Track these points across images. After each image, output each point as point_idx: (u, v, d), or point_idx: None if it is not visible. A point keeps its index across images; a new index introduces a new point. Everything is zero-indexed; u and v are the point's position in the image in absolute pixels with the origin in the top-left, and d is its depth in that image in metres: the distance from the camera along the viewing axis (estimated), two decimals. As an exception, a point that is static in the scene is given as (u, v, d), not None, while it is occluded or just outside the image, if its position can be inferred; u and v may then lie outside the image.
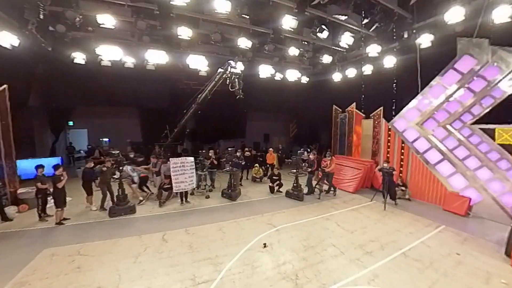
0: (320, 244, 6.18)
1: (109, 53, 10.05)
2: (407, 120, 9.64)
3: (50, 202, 7.31)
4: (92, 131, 16.40)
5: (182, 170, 8.45)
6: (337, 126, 13.72)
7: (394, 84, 11.05)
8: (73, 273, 4.90)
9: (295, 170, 9.53)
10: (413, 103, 9.43)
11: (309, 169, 9.76)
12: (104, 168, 7.95)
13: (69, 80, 12.23)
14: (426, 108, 9.11)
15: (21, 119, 11.33)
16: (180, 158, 8.54)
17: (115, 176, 7.97)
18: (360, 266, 5.25)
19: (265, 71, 12.83)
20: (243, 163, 10.77)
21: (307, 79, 14.75)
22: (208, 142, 16.56)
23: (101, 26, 7.96)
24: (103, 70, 11.77)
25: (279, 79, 14.08)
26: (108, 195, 8.07)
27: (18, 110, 10.43)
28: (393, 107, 10.90)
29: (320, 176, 10.06)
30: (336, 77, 13.68)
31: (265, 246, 5.93)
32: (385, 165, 9.11)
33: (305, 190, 9.91)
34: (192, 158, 8.69)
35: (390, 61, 10.80)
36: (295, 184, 9.59)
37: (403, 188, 9.72)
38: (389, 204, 8.90)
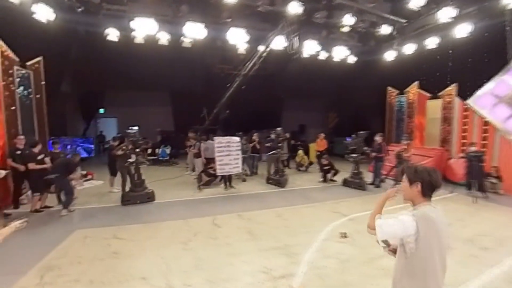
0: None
1: (144, 26, 9.21)
2: (494, 96, 7.85)
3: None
4: (121, 120, 15.88)
5: (227, 151, 7.30)
6: (392, 110, 12.01)
7: (470, 58, 9.26)
8: (109, 259, 3.85)
9: (355, 155, 8.05)
10: (502, 76, 7.65)
11: (375, 154, 8.17)
12: (120, 152, 6.64)
13: (101, 62, 11.65)
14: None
15: (54, 105, 10.94)
16: (225, 138, 7.40)
17: (130, 160, 6.60)
18: (484, 264, 3.76)
19: (310, 47, 11.47)
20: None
21: (355, 58, 13.20)
22: (241, 132, 15.40)
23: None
24: (135, 49, 11.01)
25: (324, 58, 12.66)
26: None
27: (51, 95, 10.02)
28: (468, 84, 9.11)
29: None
30: (389, 55, 12.06)
31: (345, 236, 4.56)
32: (472, 148, 7.38)
33: (368, 179, 8.36)
34: (238, 138, 7.54)
35: (464, 30, 9.06)
36: (355, 171, 8.10)
37: (494, 180, 7.79)
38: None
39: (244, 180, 8.68)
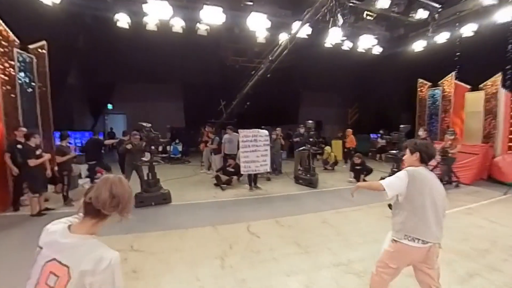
0: (497, 246, 3.81)
1: (157, 10, 8.39)
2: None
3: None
4: (130, 116, 15.12)
5: (254, 147, 6.43)
6: (424, 104, 11.01)
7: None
8: (128, 280, 2.99)
9: (395, 151, 7.13)
10: None
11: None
12: (129, 146, 5.69)
13: (110, 52, 10.92)
14: None
15: (60, 97, 10.21)
16: (252, 131, 6.52)
17: (144, 158, 5.83)
18: None
19: (334, 36, 10.54)
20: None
21: (380, 49, 12.25)
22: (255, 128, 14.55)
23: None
24: (147, 38, 10.24)
25: (347, 48, 11.74)
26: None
27: (57, 87, 9.30)
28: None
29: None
30: (419, 45, 11.14)
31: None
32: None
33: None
34: (266, 132, 6.65)
35: (507, 14, 8.09)
36: (395, 170, 7.17)
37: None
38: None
39: (268, 179, 7.80)
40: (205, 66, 12.35)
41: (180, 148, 11.75)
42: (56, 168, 6.30)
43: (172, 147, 11.26)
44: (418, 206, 1.98)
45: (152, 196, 5.32)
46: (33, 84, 6.20)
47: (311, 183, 7.12)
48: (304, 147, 7.35)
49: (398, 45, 12.13)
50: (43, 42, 6.67)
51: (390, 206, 3.12)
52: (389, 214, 4.89)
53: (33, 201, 4.85)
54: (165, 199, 5.51)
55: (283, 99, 13.58)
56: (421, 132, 7.53)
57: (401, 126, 7.41)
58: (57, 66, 8.98)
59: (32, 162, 4.72)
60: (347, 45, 11.62)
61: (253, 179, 6.81)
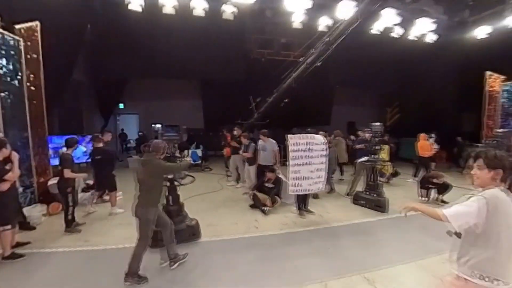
0: None
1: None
2: None
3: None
4: (143, 116, 13.74)
5: (307, 158, 4.75)
6: (495, 101, 9.03)
7: None
8: None
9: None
10: None
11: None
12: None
13: (120, 42, 9.50)
14: None
15: (66, 96, 8.91)
16: (304, 136, 4.83)
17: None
18: None
19: (386, 19, 8.76)
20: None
21: (435, 37, 10.36)
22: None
23: None
24: (163, 24, 8.80)
25: (397, 36, 9.91)
26: None
27: (61, 83, 8.00)
28: None
29: None
30: (482, 31, 9.30)
31: None
32: None
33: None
34: (322, 138, 4.95)
35: None
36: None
37: None
38: None
39: (316, 197, 6.09)
40: (228, 59, 10.73)
41: (199, 153, 10.24)
42: (51, 182, 4.91)
43: (190, 151, 9.72)
44: (502, 241, 1.56)
45: (175, 230, 3.73)
46: (19, 74, 4.76)
47: (380, 206, 5.38)
48: (368, 157, 5.63)
49: (457, 31, 10.19)
50: (36, 23, 5.23)
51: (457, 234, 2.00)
52: None
53: (3, 236, 3.33)
54: (194, 234, 3.92)
55: (315, 97, 11.76)
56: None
57: (501, 130, 5.56)
58: (61, 61, 7.72)
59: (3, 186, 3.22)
60: (397, 32, 9.85)
61: (302, 200, 5.14)
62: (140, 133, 12.72)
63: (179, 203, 3.95)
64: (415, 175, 8.34)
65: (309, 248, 3.88)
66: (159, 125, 13.76)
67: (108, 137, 5.42)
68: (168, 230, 3.30)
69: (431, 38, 10.37)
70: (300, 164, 4.76)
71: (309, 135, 4.91)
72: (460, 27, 10.02)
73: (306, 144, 4.77)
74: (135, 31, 9.16)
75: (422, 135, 8.48)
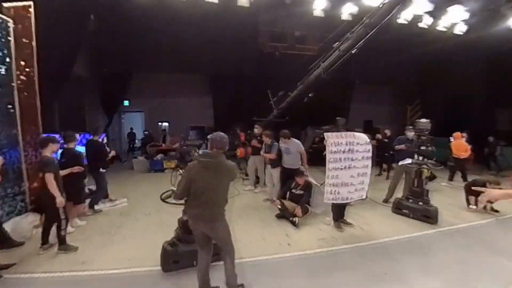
0: None
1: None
2: None
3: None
4: (149, 114, 13.03)
5: (348, 161, 3.96)
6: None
7: None
8: None
9: None
10: None
11: None
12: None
13: (125, 33, 8.87)
14: None
15: (68, 93, 8.23)
16: (345, 135, 4.03)
17: None
18: None
19: (417, 7, 7.92)
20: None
21: (465, 27, 9.50)
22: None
23: None
24: (171, 11, 8.11)
25: (426, 26, 9.08)
26: None
27: (62, 77, 7.33)
28: None
29: None
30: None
31: None
32: None
33: None
34: (366, 138, 4.12)
35: None
36: None
37: None
38: None
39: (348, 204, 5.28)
40: (239, 52, 9.99)
41: (210, 153, 9.48)
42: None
43: (202, 151, 8.94)
44: None
45: (194, 250, 2.96)
46: (7, 61, 4.04)
47: (429, 217, 4.56)
48: (412, 160, 4.82)
49: (490, 21, 9.30)
50: (29, 3, 4.49)
51: None
52: None
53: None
54: (217, 253, 3.15)
55: (333, 93, 10.93)
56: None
57: None
58: (61, 52, 7.05)
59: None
60: (425, 22, 9.02)
61: (338, 210, 4.36)
62: (145, 132, 12.00)
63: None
64: (451, 179, 7.52)
65: (362, 273, 3.09)
66: (166, 124, 13.09)
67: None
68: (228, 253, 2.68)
69: (461, 28, 9.50)
70: (339, 168, 3.96)
71: (349, 133, 4.11)
72: (494, 16, 9.14)
73: (347, 144, 3.96)
74: (141, 21, 8.52)
75: (457, 133, 7.64)
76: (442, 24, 9.15)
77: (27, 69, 4.41)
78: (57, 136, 4.22)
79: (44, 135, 4.15)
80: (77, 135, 4.76)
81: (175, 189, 2.97)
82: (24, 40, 4.35)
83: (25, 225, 3.85)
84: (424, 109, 12.60)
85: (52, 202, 3.24)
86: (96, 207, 4.92)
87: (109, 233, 3.99)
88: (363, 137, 4.09)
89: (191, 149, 3.18)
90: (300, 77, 8.23)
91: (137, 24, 8.60)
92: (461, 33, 9.65)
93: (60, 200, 3.27)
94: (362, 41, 5.22)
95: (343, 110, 12.11)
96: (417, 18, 8.80)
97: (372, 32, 5.02)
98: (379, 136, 8.73)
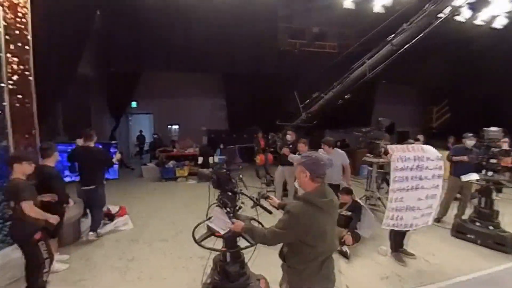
0: None
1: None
2: None
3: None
4: (158, 116, 12.33)
5: (416, 180, 3.16)
6: None
7: None
8: None
9: None
10: None
11: None
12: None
13: (134, 32, 8.24)
14: None
15: (73, 94, 7.60)
16: (412, 148, 3.22)
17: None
18: None
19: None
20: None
21: (505, 21, 8.62)
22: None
23: None
24: (182, 8, 7.50)
25: (463, 20, 8.21)
26: None
27: (64, 77, 6.68)
28: None
29: None
30: None
31: None
32: None
33: None
34: (437, 152, 3.30)
35: None
36: None
37: None
38: None
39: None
40: (256, 50, 9.22)
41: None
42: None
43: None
44: None
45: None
46: (-5, 56, 3.33)
47: (503, 244, 3.73)
48: (478, 174, 3.99)
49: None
50: (24, -11, 3.78)
51: None
52: None
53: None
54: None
55: (357, 93, 10.06)
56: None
57: None
58: (65, 51, 6.41)
59: None
60: (463, 16, 8.17)
61: (401, 239, 3.57)
62: (155, 136, 11.31)
63: (241, 258, 2.38)
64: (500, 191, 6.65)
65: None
66: (176, 126, 12.41)
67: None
68: None
69: (501, 22, 8.62)
70: (405, 189, 3.16)
71: (417, 145, 3.32)
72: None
73: (415, 160, 3.16)
74: (149, 17, 7.86)
75: (505, 139, 6.76)
76: (482, 17, 8.29)
77: (21, 67, 3.70)
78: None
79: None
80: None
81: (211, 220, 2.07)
82: (16, 32, 3.64)
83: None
84: (452, 110, 11.68)
85: (33, 239, 2.48)
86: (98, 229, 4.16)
87: (119, 269, 3.23)
88: (432, 151, 3.27)
89: (235, 175, 2.32)
90: (323, 76, 7.46)
91: (146, 20, 7.94)
92: (501, 27, 8.78)
93: (54, 217, 2.64)
94: (423, 33, 4.39)
95: (367, 111, 11.29)
96: (454, 11, 7.95)
97: (435, 23, 4.18)
98: (411, 141, 7.88)
